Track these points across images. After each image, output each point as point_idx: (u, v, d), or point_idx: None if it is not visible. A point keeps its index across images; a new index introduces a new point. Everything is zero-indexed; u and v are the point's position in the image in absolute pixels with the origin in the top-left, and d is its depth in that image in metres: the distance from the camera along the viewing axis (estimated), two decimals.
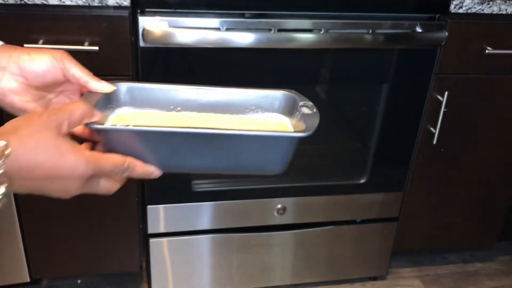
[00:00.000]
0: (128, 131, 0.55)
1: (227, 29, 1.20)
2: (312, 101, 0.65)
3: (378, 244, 1.63)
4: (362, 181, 1.51)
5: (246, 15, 1.21)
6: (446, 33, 1.28)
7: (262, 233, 1.52)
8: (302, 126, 0.60)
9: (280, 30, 1.22)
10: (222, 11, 1.19)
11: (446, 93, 1.35)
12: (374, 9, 1.26)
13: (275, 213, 1.48)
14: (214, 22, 1.19)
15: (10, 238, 1.38)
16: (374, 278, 1.71)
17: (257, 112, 0.67)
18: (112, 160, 0.54)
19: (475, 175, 1.56)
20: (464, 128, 1.46)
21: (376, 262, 1.67)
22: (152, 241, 1.44)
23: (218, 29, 1.19)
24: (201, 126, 0.62)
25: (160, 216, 1.41)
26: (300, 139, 0.58)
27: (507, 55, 1.35)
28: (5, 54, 0.59)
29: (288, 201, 1.47)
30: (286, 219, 1.51)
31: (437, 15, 1.29)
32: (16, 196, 1.31)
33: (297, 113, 0.63)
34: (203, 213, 1.44)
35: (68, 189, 0.52)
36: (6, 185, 0.49)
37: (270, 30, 1.21)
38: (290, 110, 0.65)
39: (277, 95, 0.66)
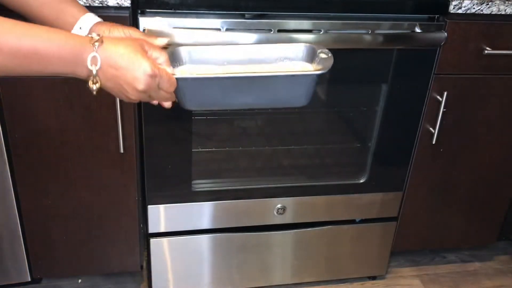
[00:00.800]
0: (192, 79, 0.77)
1: (227, 30, 1.20)
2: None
3: (378, 244, 1.63)
4: (361, 180, 1.51)
5: (246, 15, 1.22)
6: (445, 34, 1.28)
7: (262, 233, 1.52)
8: (320, 67, 0.80)
9: (280, 31, 1.22)
10: (222, 11, 1.20)
11: (445, 93, 1.36)
12: (374, 9, 1.26)
13: (275, 213, 1.49)
14: (214, 22, 1.19)
15: (11, 238, 1.38)
16: (374, 278, 1.71)
17: (285, 61, 0.87)
18: (169, 74, 0.73)
19: (474, 174, 1.57)
20: (463, 128, 1.46)
21: (376, 261, 1.68)
22: (153, 240, 1.45)
23: (218, 29, 1.19)
24: (245, 71, 0.83)
25: (160, 216, 1.42)
26: (319, 76, 0.78)
27: (506, 55, 1.36)
28: (105, 29, 0.84)
29: (288, 201, 1.48)
30: (286, 219, 1.51)
31: (436, 16, 1.30)
32: (17, 195, 1.32)
33: (317, 58, 0.84)
34: (203, 213, 1.45)
35: (137, 83, 0.69)
36: (97, 67, 0.67)
37: (270, 30, 1.22)
38: (311, 57, 0.86)
39: (299, 47, 0.87)
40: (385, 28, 1.27)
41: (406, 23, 1.28)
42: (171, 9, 1.17)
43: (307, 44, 0.87)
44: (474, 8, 1.27)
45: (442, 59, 1.33)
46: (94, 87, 0.69)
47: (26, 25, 0.64)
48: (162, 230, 1.44)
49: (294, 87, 0.80)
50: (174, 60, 0.82)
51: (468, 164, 1.54)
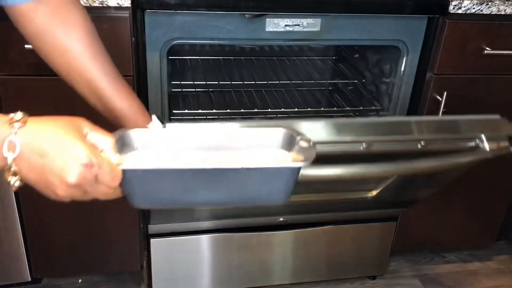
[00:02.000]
0: (143, 170, 0.60)
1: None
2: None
3: (378, 244, 1.63)
4: None
5: (246, 15, 1.22)
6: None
7: (262, 233, 1.52)
8: (301, 157, 0.66)
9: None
10: (222, 11, 1.20)
11: (445, 93, 1.36)
12: (373, 10, 1.26)
13: (276, 222, 1.49)
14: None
15: (11, 237, 1.38)
16: (374, 277, 1.72)
17: (259, 149, 0.70)
18: (112, 164, 0.57)
19: (474, 174, 1.57)
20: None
21: (376, 261, 1.68)
22: (153, 240, 1.45)
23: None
24: (209, 163, 0.65)
25: (160, 227, 1.42)
26: (299, 169, 0.64)
27: (505, 55, 1.36)
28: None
29: (290, 217, 1.48)
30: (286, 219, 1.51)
31: (436, 16, 1.30)
32: (17, 195, 1.32)
33: (296, 146, 0.69)
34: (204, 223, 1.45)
35: (68, 174, 0.53)
36: (14, 155, 0.52)
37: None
38: (288, 145, 0.70)
39: (276, 133, 0.70)
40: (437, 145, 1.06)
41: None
42: (171, 9, 1.17)
43: (284, 130, 0.71)
44: (474, 8, 1.27)
45: (442, 59, 1.33)
46: (13, 180, 0.53)
47: None
48: (162, 230, 1.44)
49: (270, 181, 0.65)
50: (124, 145, 0.65)
51: None
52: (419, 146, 0.98)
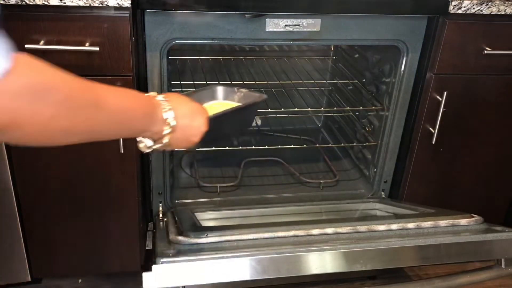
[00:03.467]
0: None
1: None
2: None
3: None
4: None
5: (246, 15, 1.22)
6: None
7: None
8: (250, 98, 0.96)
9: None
10: (222, 11, 1.20)
11: (445, 93, 1.36)
12: (373, 10, 1.26)
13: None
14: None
15: (11, 238, 1.38)
16: (374, 278, 1.71)
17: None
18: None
19: (474, 174, 1.57)
20: (463, 128, 1.46)
21: None
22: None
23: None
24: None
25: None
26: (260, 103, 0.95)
27: (506, 55, 1.36)
28: None
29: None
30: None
31: (436, 16, 1.30)
32: (17, 195, 1.32)
33: (238, 94, 0.98)
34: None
35: (202, 127, 0.80)
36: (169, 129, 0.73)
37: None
38: (228, 95, 0.99)
39: (216, 88, 1.01)
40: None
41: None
42: (171, 9, 1.17)
43: (221, 86, 1.01)
44: (474, 9, 1.27)
45: (442, 59, 1.33)
46: (166, 139, 0.74)
47: (112, 86, 0.67)
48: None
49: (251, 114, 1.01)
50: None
51: (468, 163, 1.54)
52: None
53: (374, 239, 1.04)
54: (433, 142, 1.42)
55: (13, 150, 1.26)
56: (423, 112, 1.41)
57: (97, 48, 1.14)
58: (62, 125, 0.58)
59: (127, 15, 1.15)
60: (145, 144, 0.75)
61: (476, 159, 1.53)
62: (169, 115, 0.73)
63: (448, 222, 1.11)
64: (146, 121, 0.71)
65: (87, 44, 1.14)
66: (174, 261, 0.94)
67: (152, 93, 0.74)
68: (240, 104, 0.96)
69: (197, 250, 1.00)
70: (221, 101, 0.99)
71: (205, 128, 0.79)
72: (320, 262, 0.97)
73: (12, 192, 1.31)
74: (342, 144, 1.83)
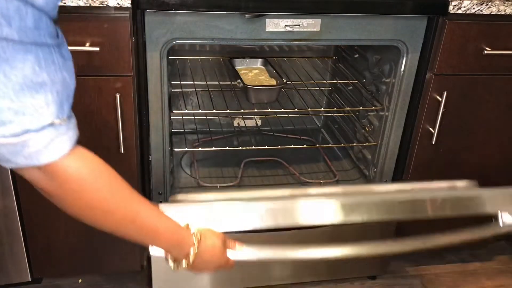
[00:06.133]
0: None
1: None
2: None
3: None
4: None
5: (246, 15, 1.22)
6: None
7: (262, 233, 1.52)
8: None
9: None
10: (222, 11, 1.20)
11: (445, 93, 1.36)
12: (373, 10, 1.26)
13: None
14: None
15: (11, 237, 1.38)
16: (374, 277, 1.72)
17: None
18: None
19: (474, 174, 1.56)
20: (463, 128, 1.46)
21: (376, 261, 1.68)
22: None
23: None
24: None
25: None
26: None
27: (505, 56, 1.36)
28: None
29: None
30: None
31: (436, 16, 1.30)
32: (17, 195, 1.32)
33: None
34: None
35: (214, 267, 0.88)
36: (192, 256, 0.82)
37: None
38: None
39: None
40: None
41: None
42: (171, 9, 1.17)
43: None
44: (473, 9, 1.27)
45: (442, 59, 1.33)
46: (184, 264, 0.83)
47: (153, 207, 0.78)
48: None
49: None
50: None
51: (468, 163, 1.54)
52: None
53: (371, 194, 1.06)
54: (433, 142, 1.43)
55: None
56: (423, 112, 1.41)
57: (97, 48, 1.14)
58: (96, 218, 0.73)
59: (127, 15, 1.15)
60: (166, 256, 0.83)
61: (475, 158, 1.53)
62: (191, 258, 0.81)
63: (444, 184, 1.13)
64: (169, 248, 0.81)
65: (87, 44, 1.14)
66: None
67: (192, 227, 0.82)
68: None
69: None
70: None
71: (217, 270, 0.89)
72: (317, 211, 0.97)
73: (12, 192, 1.31)
74: (342, 144, 1.83)
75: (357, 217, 0.98)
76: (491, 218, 1.04)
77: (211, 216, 0.89)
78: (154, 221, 0.77)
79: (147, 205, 0.76)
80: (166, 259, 0.83)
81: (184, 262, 0.82)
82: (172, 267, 0.83)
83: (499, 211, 1.03)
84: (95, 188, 0.68)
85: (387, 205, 1.02)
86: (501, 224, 1.02)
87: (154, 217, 0.77)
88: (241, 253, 0.88)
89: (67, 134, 0.61)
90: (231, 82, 1.68)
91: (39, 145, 0.58)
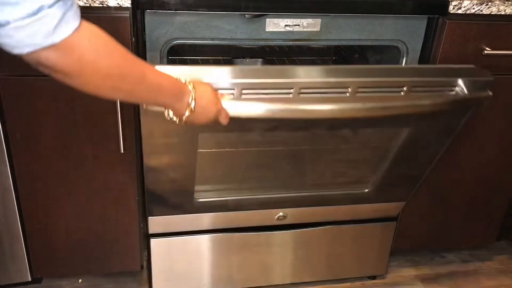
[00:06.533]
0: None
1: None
2: None
3: (378, 243, 1.63)
4: (365, 190, 1.51)
5: (246, 15, 1.22)
6: (490, 93, 1.20)
7: (262, 233, 1.52)
8: None
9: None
10: (222, 11, 1.20)
11: None
12: (373, 10, 1.26)
13: (276, 218, 1.49)
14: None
15: (11, 238, 1.38)
16: (374, 277, 1.72)
17: None
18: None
19: (474, 174, 1.57)
20: (462, 128, 1.46)
21: (376, 261, 1.68)
22: (153, 240, 1.45)
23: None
24: None
25: (160, 221, 1.42)
26: None
27: (505, 56, 1.36)
28: None
29: (290, 210, 1.48)
30: (286, 221, 1.51)
31: (436, 16, 1.30)
32: (17, 195, 1.32)
33: None
34: (203, 221, 1.45)
35: (213, 114, 0.96)
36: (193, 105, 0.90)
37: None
38: None
39: None
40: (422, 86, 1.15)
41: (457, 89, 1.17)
42: (171, 9, 1.17)
43: None
44: (473, 9, 1.27)
45: (442, 59, 1.33)
46: (187, 113, 0.90)
47: (152, 65, 0.85)
48: (163, 230, 1.44)
49: None
50: None
51: (468, 164, 1.54)
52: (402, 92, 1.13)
53: None
54: None
55: (13, 151, 1.26)
56: None
57: None
58: (113, 84, 0.75)
59: (127, 15, 1.15)
60: (168, 114, 0.91)
61: (475, 159, 1.53)
62: (191, 104, 0.89)
63: None
64: (172, 100, 0.88)
65: None
66: None
67: (184, 79, 0.89)
68: None
69: None
70: None
71: (218, 109, 0.97)
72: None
73: (12, 192, 1.31)
74: None
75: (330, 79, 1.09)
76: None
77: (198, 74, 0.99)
78: (158, 77, 0.84)
79: (148, 64, 0.83)
80: (169, 117, 0.91)
81: (187, 111, 0.89)
82: (177, 121, 0.91)
83: (460, 80, 1.14)
84: (109, 55, 0.73)
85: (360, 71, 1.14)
86: (466, 91, 1.15)
87: (157, 74, 0.84)
88: (234, 104, 1.00)
89: (73, 8, 0.66)
90: None
91: (54, 20, 0.63)
